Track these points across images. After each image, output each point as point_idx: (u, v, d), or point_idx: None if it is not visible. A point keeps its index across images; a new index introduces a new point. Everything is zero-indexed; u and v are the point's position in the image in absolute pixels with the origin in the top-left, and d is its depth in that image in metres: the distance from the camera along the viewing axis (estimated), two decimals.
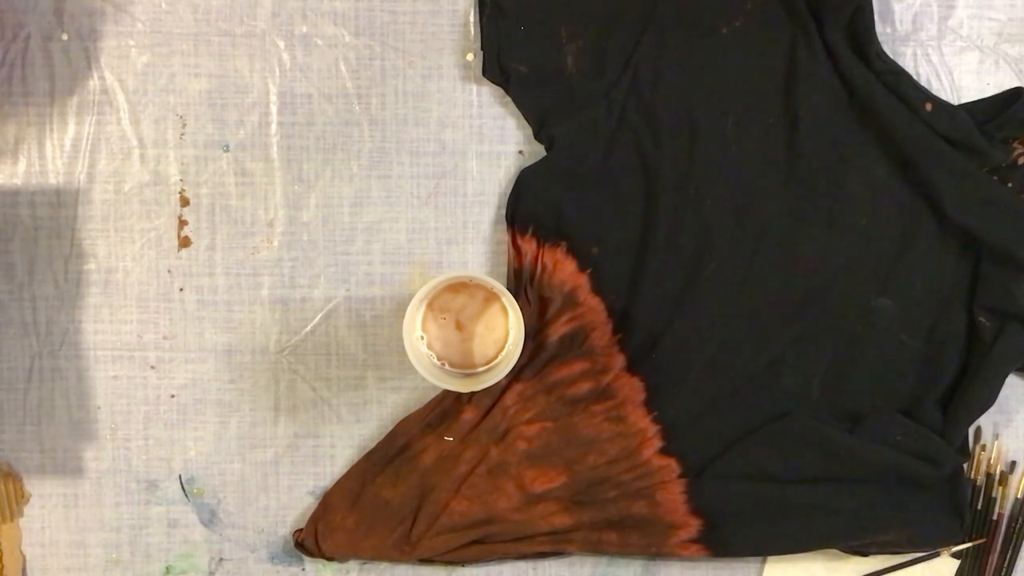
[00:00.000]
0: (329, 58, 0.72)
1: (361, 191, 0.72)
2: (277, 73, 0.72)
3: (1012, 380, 0.72)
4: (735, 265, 0.72)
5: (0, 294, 0.72)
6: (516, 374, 0.71)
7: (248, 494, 0.73)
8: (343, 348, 0.73)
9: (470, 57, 0.72)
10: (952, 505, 0.72)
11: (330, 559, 0.73)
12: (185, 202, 0.72)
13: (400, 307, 0.72)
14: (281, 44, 0.72)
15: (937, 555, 0.73)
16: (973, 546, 0.73)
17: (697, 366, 0.72)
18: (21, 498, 0.72)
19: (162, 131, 0.72)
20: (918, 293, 0.72)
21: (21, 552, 0.72)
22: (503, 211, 0.72)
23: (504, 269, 0.72)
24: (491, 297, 0.69)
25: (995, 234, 0.70)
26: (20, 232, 0.71)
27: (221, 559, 0.73)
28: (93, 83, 0.71)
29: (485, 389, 0.69)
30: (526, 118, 0.72)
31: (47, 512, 0.73)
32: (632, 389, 0.72)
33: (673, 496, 0.71)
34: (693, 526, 0.71)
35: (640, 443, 0.71)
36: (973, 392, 0.71)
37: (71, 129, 0.71)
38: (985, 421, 0.73)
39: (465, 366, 0.70)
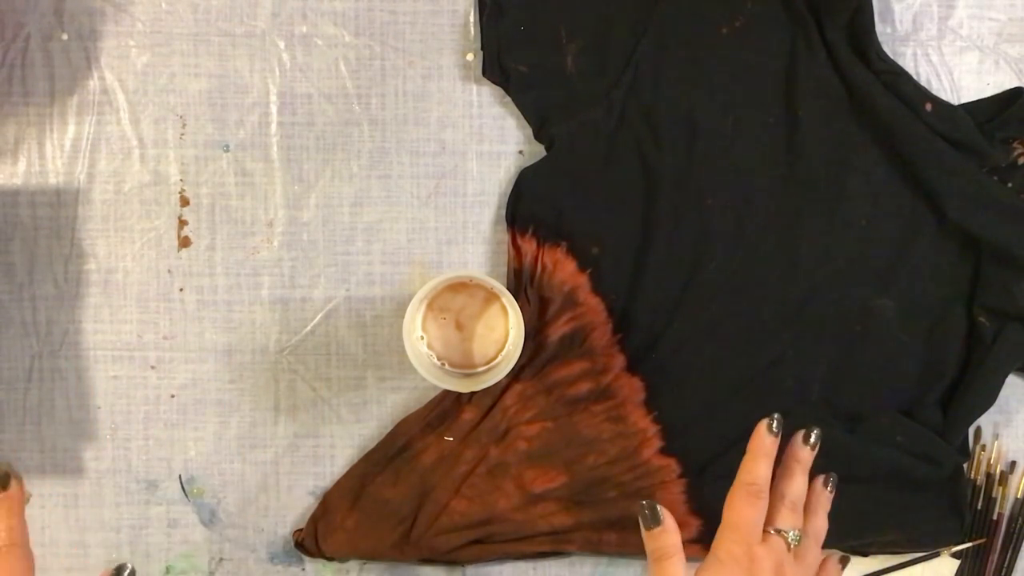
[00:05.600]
0: (329, 58, 0.72)
1: (361, 191, 0.72)
2: (277, 73, 0.72)
3: (1012, 380, 0.72)
4: (735, 265, 0.72)
5: (0, 294, 0.72)
6: (516, 374, 0.71)
7: (248, 494, 0.73)
8: (343, 348, 0.73)
9: (470, 57, 0.72)
10: (952, 505, 0.72)
11: (330, 559, 0.73)
12: (185, 202, 0.72)
13: (400, 307, 0.72)
14: (281, 44, 0.72)
15: (937, 555, 0.73)
16: (973, 546, 0.73)
17: (697, 366, 0.72)
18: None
19: (162, 131, 0.72)
20: (918, 293, 0.72)
21: None
22: (503, 211, 0.72)
23: (504, 269, 0.72)
24: (491, 297, 0.69)
25: (995, 234, 0.70)
26: (20, 232, 0.71)
27: (221, 559, 0.73)
28: (93, 83, 0.71)
29: (485, 389, 0.69)
30: (526, 118, 0.72)
31: (47, 512, 0.73)
32: (632, 389, 0.72)
33: (673, 496, 0.71)
34: (693, 526, 0.71)
35: (640, 443, 0.71)
36: (973, 392, 0.71)
37: (71, 129, 0.71)
38: (985, 421, 0.73)
39: (465, 366, 0.70)
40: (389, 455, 0.72)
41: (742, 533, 0.58)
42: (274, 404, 0.73)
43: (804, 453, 0.62)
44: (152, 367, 0.72)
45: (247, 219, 0.72)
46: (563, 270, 0.71)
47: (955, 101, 0.72)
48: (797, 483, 0.61)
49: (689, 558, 0.73)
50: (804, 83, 0.71)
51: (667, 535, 0.59)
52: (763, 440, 0.61)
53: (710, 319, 0.72)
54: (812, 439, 0.62)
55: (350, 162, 0.72)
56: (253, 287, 0.72)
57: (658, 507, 0.59)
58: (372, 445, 0.72)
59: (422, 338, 0.69)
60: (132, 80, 0.71)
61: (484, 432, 0.71)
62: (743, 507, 0.59)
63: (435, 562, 0.72)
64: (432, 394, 0.72)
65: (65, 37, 0.71)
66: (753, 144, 0.71)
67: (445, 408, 0.71)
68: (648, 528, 0.59)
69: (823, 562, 0.63)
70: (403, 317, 0.66)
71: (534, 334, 0.71)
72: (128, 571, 0.56)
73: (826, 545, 0.72)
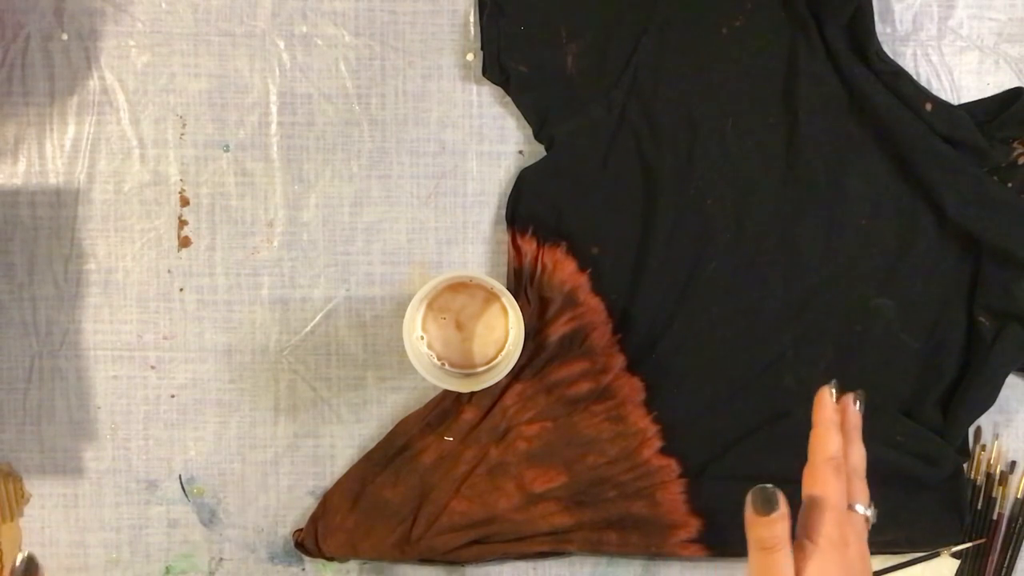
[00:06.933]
0: (329, 58, 0.72)
1: (361, 191, 0.72)
2: (277, 73, 0.72)
3: (1012, 380, 0.72)
4: (735, 265, 0.72)
5: (0, 294, 0.72)
6: (516, 374, 0.71)
7: (248, 494, 0.73)
8: (343, 348, 0.73)
9: (470, 57, 0.72)
10: (952, 505, 0.72)
11: (330, 559, 0.73)
12: (185, 202, 0.72)
13: (400, 307, 0.72)
14: (281, 44, 0.72)
15: (937, 555, 0.73)
16: (973, 546, 0.73)
17: (697, 366, 0.72)
18: (21, 498, 0.72)
19: (162, 131, 0.72)
20: (918, 293, 0.72)
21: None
22: (503, 211, 0.72)
23: (504, 269, 0.72)
24: (491, 297, 0.69)
25: (995, 234, 0.70)
26: (20, 232, 0.71)
27: (221, 559, 0.73)
28: (93, 83, 0.71)
29: (485, 389, 0.69)
30: (526, 118, 0.72)
31: (47, 512, 0.73)
32: (632, 389, 0.72)
33: (673, 496, 0.71)
34: (693, 526, 0.71)
35: (640, 443, 0.71)
36: (973, 392, 0.71)
37: (71, 129, 0.71)
38: (985, 421, 0.73)
39: (465, 366, 0.70)
40: (389, 455, 0.72)
41: (836, 513, 0.54)
42: (274, 404, 0.73)
43: (858, 418, 0.58)
44: (152, 367, 0.72)
45: (247, 219, 0.72)
46: (563, 270, 0.71)
47: (955, 101, 0.72)
48: (860, 450, 0.58)
49: (690, 559, 0.73)
50: (804, 83, 0.71)
51: (782, 522, 0.53)
52: (829, 410, 0.56)
53: (710, 319, 0.72)
54: (860, 402, 0.58)
55: (350, 162, 0.72)
56: (253, 287, 0.72)
57: (777, 492, 0.52)
58: (372, 445, 0.72)
59: (422, 338, 0.69)
60: (132, 80, 0.71)
61: (484, 432, 0.71)
62: (833, 482, 0.55)
63: (435, 562, 0.72)
64: (432, 394, 0.72)
65: (65, 37, 0.71)
66: (753, 144, 0.71)
67: (445, 408, 0.71)
68: (760, 514, 0.52)
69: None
70: (403, 317, 0.66)
71: (534, 334, 0.71)
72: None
73: None
